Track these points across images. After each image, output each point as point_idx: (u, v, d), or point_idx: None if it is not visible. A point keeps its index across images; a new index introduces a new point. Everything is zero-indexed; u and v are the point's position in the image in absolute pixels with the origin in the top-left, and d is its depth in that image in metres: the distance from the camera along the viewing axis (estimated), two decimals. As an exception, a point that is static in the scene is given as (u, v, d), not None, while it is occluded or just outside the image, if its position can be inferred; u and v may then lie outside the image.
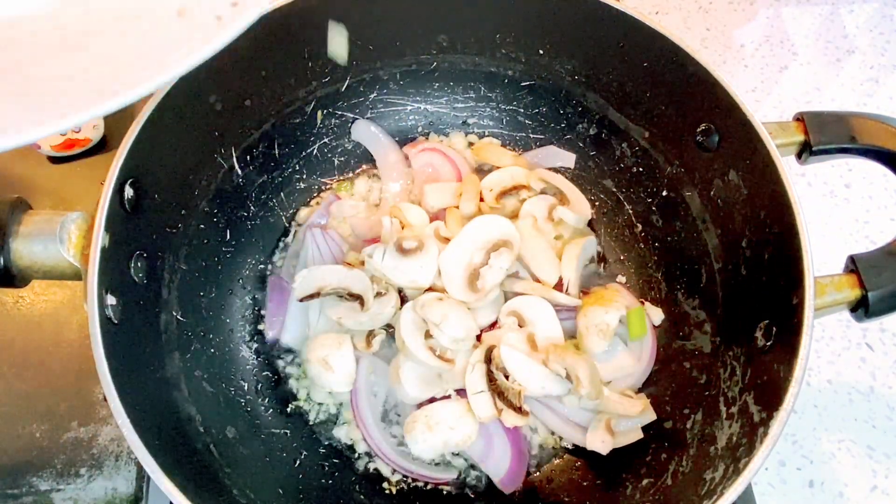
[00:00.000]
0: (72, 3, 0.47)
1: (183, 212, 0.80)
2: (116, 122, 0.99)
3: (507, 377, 0.79)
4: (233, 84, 0.81)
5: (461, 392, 0.83)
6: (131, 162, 0.67)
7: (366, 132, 0.98)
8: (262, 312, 0.90)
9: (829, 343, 0.99)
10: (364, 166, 1.00)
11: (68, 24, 0.46)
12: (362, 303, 0.82)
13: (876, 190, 1.11)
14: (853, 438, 0.92)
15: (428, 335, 0.81)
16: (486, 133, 1.01)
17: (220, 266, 0.88)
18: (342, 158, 0.99)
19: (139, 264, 0.71)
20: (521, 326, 0.84)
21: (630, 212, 0.95)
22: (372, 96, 0.97)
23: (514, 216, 0.90)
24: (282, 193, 0.95)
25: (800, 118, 0.74)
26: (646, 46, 0.81)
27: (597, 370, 0.79)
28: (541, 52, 0.91)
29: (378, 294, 0.83)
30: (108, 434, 0.82)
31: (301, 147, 0.95)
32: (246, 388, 0.85)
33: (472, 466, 0.84)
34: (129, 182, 0.67)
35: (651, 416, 0.82)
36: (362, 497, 0.81)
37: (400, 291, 0.85)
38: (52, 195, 0.97)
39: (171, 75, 0.42)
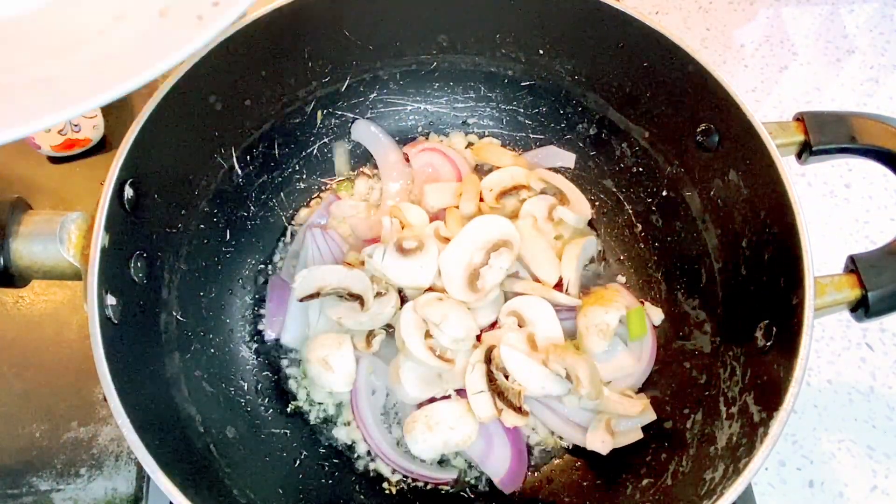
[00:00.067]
0: (57, 4, 0.47)
1: (183, 212, 0.80)
2: (116, 122, 0.99)
3: (507, 377, 0.79)
4: (233, 84, 0.81)
5: (461, 392, 0.83)
6: (131, 162, 0.67)
7: (366, 132, 0.98)
8: (262, 312, 0.90)
9: (829, 343, 0.99)
10: (364, 166, 1.00)
11: (54, 26, 0.46)
12: (362, 303, 0.82)
13: (876, 190, 1.11)
14: (853, 438, 0.92)
15: (428, 335, 0.81)
16: (486, 133, 1.01)
17: (220, 266, 0.88)
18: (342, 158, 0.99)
19: (139, 264, 0.71)
20: (521, 326, 0.84)
21: (630, 212, 0.95)
22: (372, 96, 0.97)
23: (514, 216, 0.90)
24: (282, 193, 0.95)
25: (800, 118, 0.74)
26: (646, 46, 0.81)
27: (597, 370, 0.79)
28: (541, 52, 0.91)
29: (378, 294, 0.83)
30: (108, 434, 0.82)
31: (301, 147, 0.95)
32: (246, 388, 0.85)
33: (472, 466, 0.84)
34: (129, 182, 0.67)
35: (651, 416, 0.82)
36: (362, 497, 0.81)
37: (400, 291, 0.85)
38: (52, 195, 0.96)
39: (152, 74, 0.42)
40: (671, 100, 0.83)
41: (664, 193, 0.89)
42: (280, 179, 0.95)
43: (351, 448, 0.85)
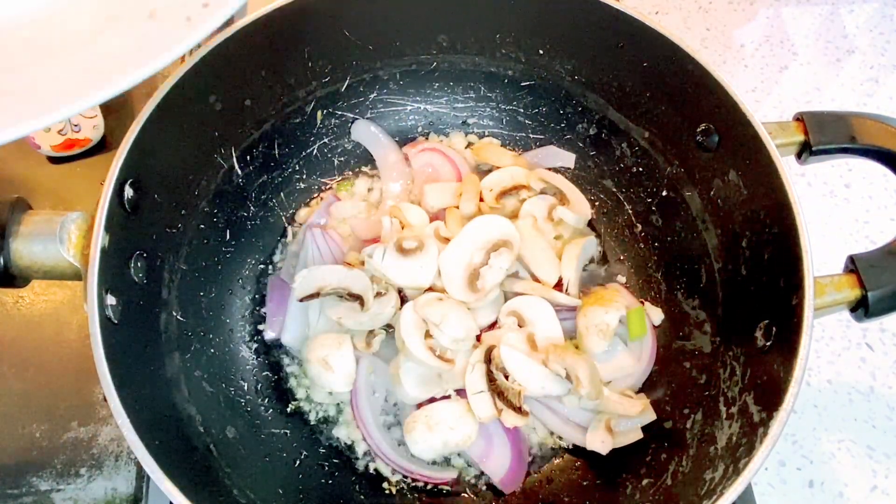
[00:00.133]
0: (49, 8, 0.47)
1: (183, 212, 0.80)
2: (116, 122, 0.99)
3: (507, 377, 0.79)
4: (233, 84, 0.81)
5: (461, 392, 0.83)
6: (131, 162, 0.67)
7: (366, 132, 0.98)
8: (262, 312, 0.90)
9: (829, 343, 0.99)
10: (364, 166, 1.00)
11: (45, 29, 0.46)
12: (362, 303, 0.82)
13: (876, 190, 1.11)
14: (853, 438, 0.92)
15: (428, 335, 0.81)
16: (486, 133, 1.01)
17: (220, 266, 0.88)
18: (342, 158, 0.99)
19: (139, 264, 0.71)
20: (521, 326, 0.84)
21: (630, 212, 0.95)
22: (372, 96, 0.97)
23: (514, 216, 0.90)
24: (282, 193, 0.95)
25: (800, 118, 0.74)
26: (646, 46, 0.81)
27: (597, 370, 0.79)
28: (541, 52, 0.91)
29: (378, 294, 0.83)
30: (108, 434, 0.82)
31: (301, 147, 0.95)
32: (246, 388, 0.85)
33: (472, 466, 0.84)
34: (129, 182, 0.67)
35: (651, 416, 0.82)
36: (362, 497, 0.81)
37: (400, 291, 0.85)
38: (52, 195, 0.96)
39: (142, 75, 0.42)
40: (671, 100, 0.83)
41: (664, 193, 0.89)
42: (280, 179, 0.95)
43: (351, 448, 0.85)
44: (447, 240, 0.86)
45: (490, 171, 0.95)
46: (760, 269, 0.74)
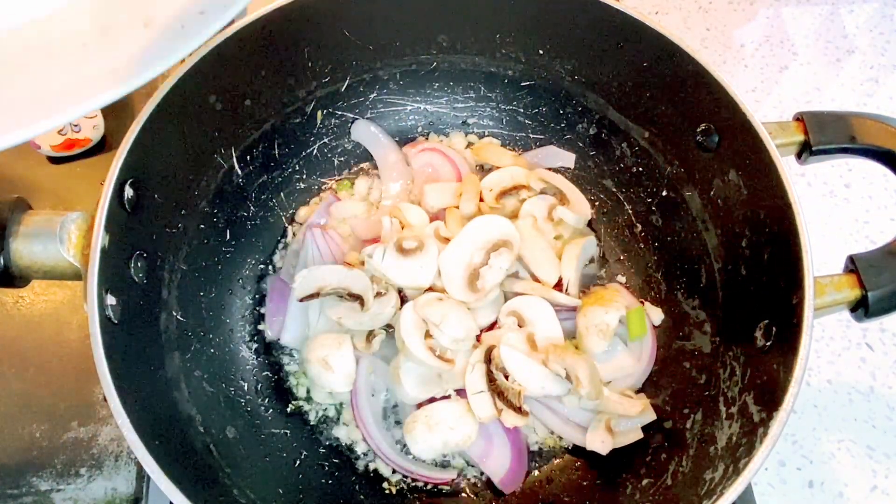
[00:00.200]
0: (44, 18, 0.47)
1: (183, 212, 0.80)
2: (116, 122, 0.99)
3: (506, 377, 0.79)
4: (233, 84, 0.81)
5: (461, 392, 0.83)
6: (131, 162, 0.67)
7: (366, 132, 0.98)
8: (262, 312, 0.90)
9: (829, 343, 0.99)
10: (364, 166, 1.00)
11: (40, 39, 0.46)
12: (362, 303, 0.82)
13: (876, 190, 1.11)
14: (853, 438, 0.92)
15: (428, 335, 0.81)
16: (486, 133, 1.01)
17: (220, 266, 0.88)
18: (342, 158, 0.99)
19: (139, 264, 0.71)
20: (520, 326, 0.84)
21: (630, 212, 0.95)
22: (372, 96, 0.97)
23: (514, 216, 0.90)
24: (282, 193, 0.95)
25: (800, 118, 0.74)
26: (646, 46, 0.81)
27: (597, 370, 0.79)
28: (541, 52, 0.91)
29: (378, 294, 0.83)
30: (108, 434, 0.82)
31: (301, 147, 0.95)
32: (246, 388, 0.85)
33: (472, 466, 0.84)
34: (129, 182, 0.67)
35: (651, 416, 0.82)
36: (362, 497, 0.81)
37: (400, 291, 0.85)
38: (52, 195, 0.96)
39: (135, 84, 0.42)
40: (671, 100, 0.83)
41: (664, 193, 0.89)
42: (280, 179, 0.95)
43: (351, 448, 0.85)
44: (447, 240, 0.86)
45: (490, 171, 0.95)
46: (760, 269, 0.74)
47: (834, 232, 1.07)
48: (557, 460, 0.85)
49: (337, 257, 0.91)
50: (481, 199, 0.91)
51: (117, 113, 0.99)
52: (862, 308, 0.68)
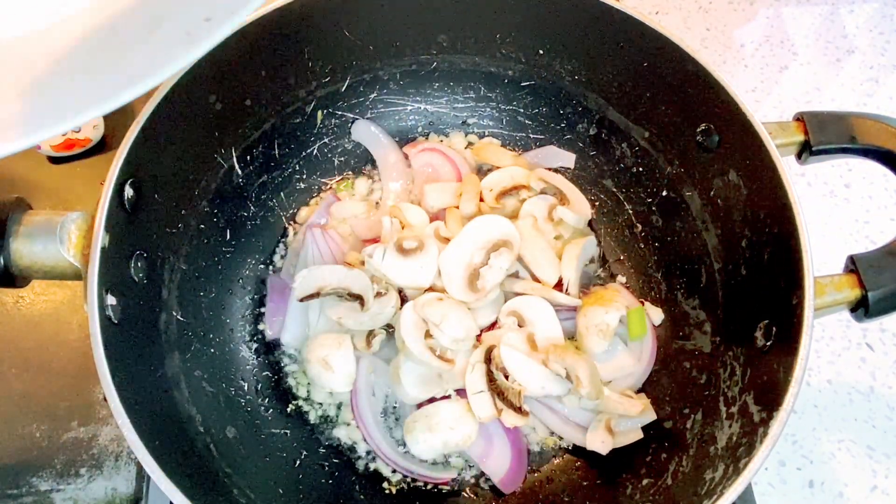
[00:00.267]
0: (47, 26, 0.47)
1: (183, 212, 0.80)
2: (116, 122, 0.99)
3: (507, 377, 0.79)
4: (233, 84, 0.81)
5: (461, 392, 0.83)
6: (131, 162, 0.67)
7: (366, 132, 0.98)
8: (262, 312, 0.90)
9: (829, 343, 0.99)
10: (364, 166, 1.00)
11: (44, 46, 0.46)
12: (362, 303, 0.82)
13: (876, 190, 1.11)
14: (853, 438, 0.92)
15: (428, 335, 0.81)
16: (486, 133, 1.01)
17: (220, 266, 0.88)
18: (342, 158, 0.99)
19: (139, 264, 0.71)
20: (521, 326, 0.84)
21: (630, 212, 0.95)
22: (372, 96, 0.97)
23: (514, 216, 0.90)
24: (282, 193, 0.95)
25: (800, 118, 0.74)
26: (646, 46, 0.81)
27: (597, 370, 0.79)
28: (541, 52, 0.91)
29: (378, 294, 0.83)
30: (108, 434, 0.82)
31: (301, 147, 0.95)
32: (246, 388, 0.85)
33: (472, 466, 0.84)
34: (129, 182, 0.67)
35: (651, 416, 0.82)
36: (362, 497, 0.81)
37: (400, 291, 0.85)
38: (52, 195, 0.97)
39: (138, 91, 0.42)
40: (671, 100, 0.83)
41: (664, 193, 0.89)
42: (280, 179, 0.95)
43: (351, 448, 0.85)
44: (447, 240, 0.86)
45: (490, 171, 0.95)
46: (760, 269, 0.74)
47: (834, 232, 1.07)
48: (557, 460, 0.85)
49: (337, 257, 0.91)
50: (481, 199, 0.91)
51: (117, 113, 0.99)
52: (862, 308, 0.68)
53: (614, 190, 0.96)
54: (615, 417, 0.81)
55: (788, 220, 0.68)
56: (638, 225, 0.94)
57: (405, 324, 0.80)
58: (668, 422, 0.81)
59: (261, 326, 0.89)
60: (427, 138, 1.01)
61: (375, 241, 0.88)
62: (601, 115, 0.93)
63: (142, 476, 0.81)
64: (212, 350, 0.84)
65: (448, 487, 0.83)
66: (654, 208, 0.92)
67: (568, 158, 0.98)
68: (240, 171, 0.88)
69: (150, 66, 0.42)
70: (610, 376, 0.85)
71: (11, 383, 0.85)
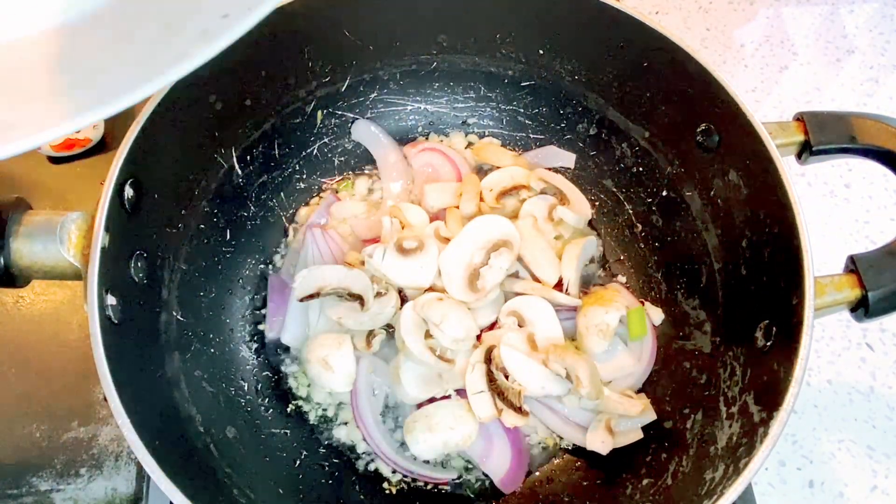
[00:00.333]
0: (60, 27, 0.47)
1: (183, 212, 0.80)
2: (116, 122, 0.99)
3: (507, 377, 0.79)
4: (233, 84, 0.81)
5: (461, 392, 0.83)
6: (131, 162, 0.67)
7: (366, 132, 0.98)
8: (262, 312, 0.90)
9: (829, 343, 0.99)
10: (364, 166, 1.00)
11: (57, 46, 0.46)
12: (362, 303, 0.82)
13: (876, 190, 1.11)
14: (853, 438, 0.92)
15: (428, 335, 0.81)
16: (486, 133, 1.01)
17: (220, 266, 0.88)
18: (342, 158, 0.99)
19: (139, 264, 0.71)
20: (521, 326, 0.84)
21: (630, 212, 0.95)
22: (372, 96, 0.97)
23: (514, 216, 0.90)
24: (282, 193, 0.95)
25: (800, 118, 0.74)
26: (646, 46, 0.81)
27: (597, 370, 0.79)
28: (541, 52, 0.91)
29: (378, 294, 0.83)
30: (108, 434, 0.82)
31: (301, 147, 0.95)
32: (246, 388, 0.85)
33: (472, 466, 0.84)
34: (129, 182, 0.67)
35: (651, 416, 0.82)
36: (362, 497, 0.81)
37: (400, 291, 0.85)
38: (52, 195, 0.97)
39: (151, 89, 0.42)
40: (671, 100, 0.83)
41: (664, 193, 0.89)
42: (280, 179, 0.95)
43: (351, 448, 0.85)
44: (447, 240, 0.86)
45: (490, 171, 0.95)
46: (760, 269, 0.74)
47: (834, 232, 1.07)
48: (557, 460, 0.85)
49: (337, 257, 0.91)
50: (481, 199, 0.91)
51: (117, 113, 0.99)
52: (862, 308, 0.68)
53: (614, 190, 0.96)
54: (615, 417, 0.81)
55: (788, 220, 0.68)
56: (638, 225, 0.94)
57: (405, 324, 0.80)
58: (668, 422, 0.81)
59: (261, 326, 0.89)
60: (427, 138, 1.01)
61: (375, 241, 0.88)
62: (601, 115, 0.93)
63: (142, 476, 0.81)
64: (212, 350, 0.84)
65: (448, 487, 0.83)
66: (654, 208, 0.92)
67: (568, 158, 0.98)
68: (240, 171, 0.88)
69: (166, 63, 0.42)
70: (610, 376, 0.85)
71: (11, 383, 0.85)
